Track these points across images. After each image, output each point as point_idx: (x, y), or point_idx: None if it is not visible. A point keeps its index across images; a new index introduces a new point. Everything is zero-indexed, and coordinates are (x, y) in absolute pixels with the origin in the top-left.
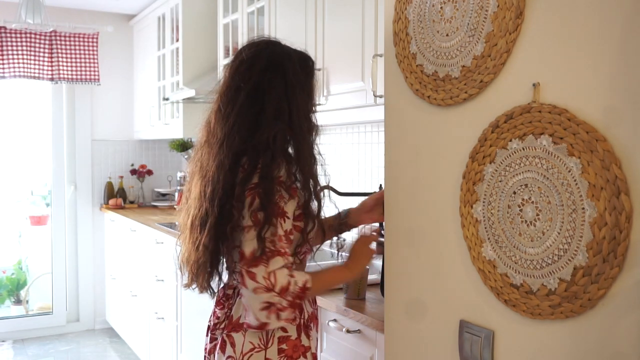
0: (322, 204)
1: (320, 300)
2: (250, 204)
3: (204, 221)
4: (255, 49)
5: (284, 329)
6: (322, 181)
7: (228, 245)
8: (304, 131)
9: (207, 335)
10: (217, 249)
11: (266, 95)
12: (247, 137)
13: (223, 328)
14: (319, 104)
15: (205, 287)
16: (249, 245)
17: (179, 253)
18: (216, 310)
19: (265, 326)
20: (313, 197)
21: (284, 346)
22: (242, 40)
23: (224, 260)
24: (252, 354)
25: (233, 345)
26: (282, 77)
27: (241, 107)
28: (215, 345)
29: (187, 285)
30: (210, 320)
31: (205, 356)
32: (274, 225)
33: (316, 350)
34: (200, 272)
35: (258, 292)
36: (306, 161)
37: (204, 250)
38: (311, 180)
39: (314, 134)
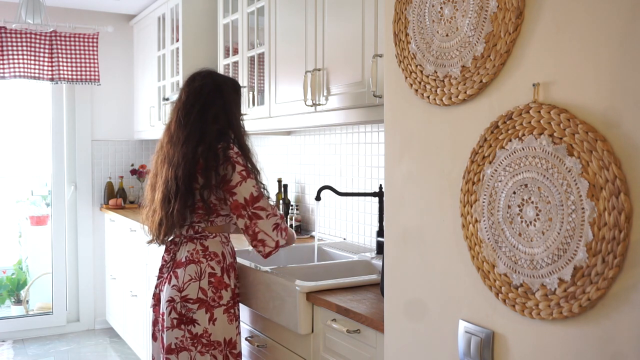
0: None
1: (321, 300)
2: (234, 167)
3: (175, 194)
4: (203, 78)
5: (212, 268)
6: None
7: (192, 206)
8: (238, 129)
9: (157, 277)
10: (184, 212)
11: (210, 109)
12: (200, 136)
13: (169, 267)
14: (316, 105)
15: (164, 240)
16: (247, 190)
17: (145, 218)
18: (164, 255)
19: (277, 244)
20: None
21: (212, 279)
22: (242, 40)
23: (189, 217)
24: (190, 283)
25: (177, 277)
26: (220, 97)
27: (195, 118)
28: (162, 281)
29: (151, 242)
30: (161, 264)
31: (155, 293)
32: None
33: (234, 289)
34: (168, 230)
35: (269, 217)
36: (245, 148)
37: (177, 214)
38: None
39: (244, 132)
